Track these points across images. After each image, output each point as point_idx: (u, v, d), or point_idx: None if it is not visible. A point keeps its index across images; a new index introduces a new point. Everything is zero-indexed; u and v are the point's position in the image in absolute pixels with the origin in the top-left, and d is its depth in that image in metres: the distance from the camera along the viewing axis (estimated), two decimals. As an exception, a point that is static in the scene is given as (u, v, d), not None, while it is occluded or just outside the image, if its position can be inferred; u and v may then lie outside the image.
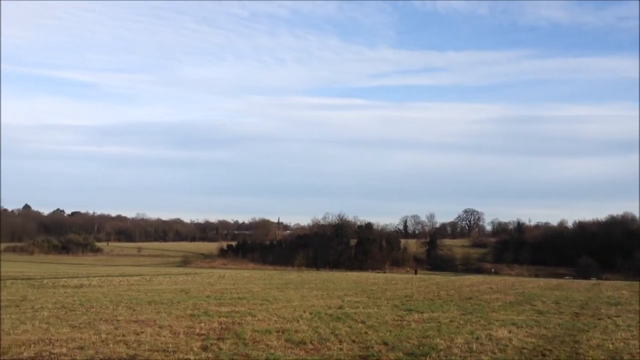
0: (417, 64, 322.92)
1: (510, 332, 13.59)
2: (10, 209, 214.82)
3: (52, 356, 9.61)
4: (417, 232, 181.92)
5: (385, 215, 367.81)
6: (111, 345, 10.70)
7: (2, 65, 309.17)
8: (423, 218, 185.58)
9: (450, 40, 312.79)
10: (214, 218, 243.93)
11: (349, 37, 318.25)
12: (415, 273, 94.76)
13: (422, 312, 17.59)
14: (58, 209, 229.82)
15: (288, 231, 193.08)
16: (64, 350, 10.13)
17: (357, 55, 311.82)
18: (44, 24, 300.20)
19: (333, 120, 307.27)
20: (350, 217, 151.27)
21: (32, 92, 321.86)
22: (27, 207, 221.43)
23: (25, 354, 9.71)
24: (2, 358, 9.47)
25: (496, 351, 11.06)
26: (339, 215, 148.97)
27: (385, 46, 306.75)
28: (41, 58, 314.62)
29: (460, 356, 10.46)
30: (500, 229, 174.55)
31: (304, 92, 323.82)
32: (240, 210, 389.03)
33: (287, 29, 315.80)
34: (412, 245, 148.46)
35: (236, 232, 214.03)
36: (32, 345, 10.49)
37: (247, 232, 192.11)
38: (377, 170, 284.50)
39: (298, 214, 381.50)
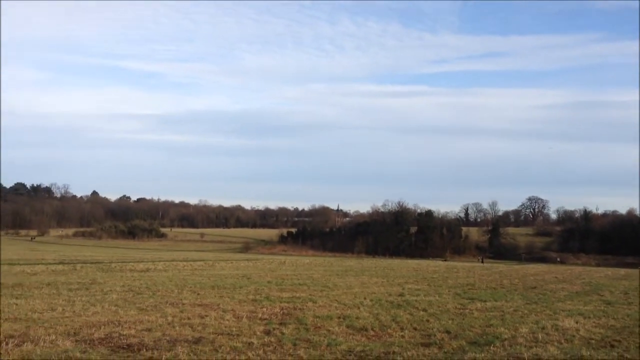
0: (479, 49, 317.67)
1: (577, 323, 13.18)
2: (79, 196, 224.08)
3: (122, 337, 9.91)
4: (478, 220, 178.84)
5: (445, 203, 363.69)
6: (177, 328, 10.96)
7: (71, 56, 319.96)
8: (485, 206, 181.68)
9: (513, 25, 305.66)
10: (274, 205, 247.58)
11: (410, 23, 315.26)
12: (482, 262, 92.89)
13: (484, 301, 17.28)
14: (124, 196, 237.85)
15: (347, 218, 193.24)
16: (133, 332, 10.45)
17: (418, 41, 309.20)
18: (111, 17, 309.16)
19: (393, 107, 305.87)
20: (410, 204, 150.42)
21: (100, 82, 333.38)
22: (95, 193, 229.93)
23: (96, 335, 10.05)
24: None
25: (562, 341, 10.74)
26: (399, 203, 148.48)
27: (446, 32, 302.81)
28: (108, 49, 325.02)
29: (525, 346, 10.19)
30: (566, 217, 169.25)
31: (364, 79, 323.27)
32: (299, 197, 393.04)
33: (347, 16, 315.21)
34: (474, 234, 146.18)
35: (296, 219, 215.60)
36: (102, 327, 10.87)
37: (306, 219, 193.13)
38: (438, 157, 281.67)
39: (357, 201, 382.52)
